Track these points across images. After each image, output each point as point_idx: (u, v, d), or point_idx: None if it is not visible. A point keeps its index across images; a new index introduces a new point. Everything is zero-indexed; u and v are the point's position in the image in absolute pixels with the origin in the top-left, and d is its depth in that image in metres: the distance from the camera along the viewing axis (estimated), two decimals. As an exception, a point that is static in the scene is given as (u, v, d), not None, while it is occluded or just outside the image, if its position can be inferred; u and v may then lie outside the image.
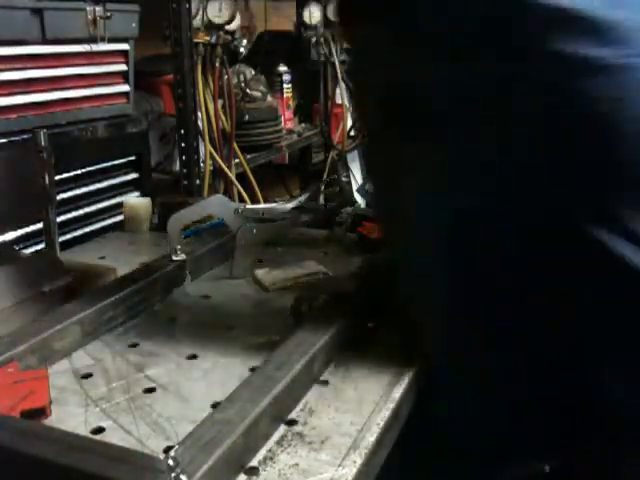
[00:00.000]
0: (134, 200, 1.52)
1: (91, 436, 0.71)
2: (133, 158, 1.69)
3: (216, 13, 1.87)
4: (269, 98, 2.26)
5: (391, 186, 0.81)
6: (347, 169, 2.95)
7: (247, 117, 2.12)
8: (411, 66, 0.72)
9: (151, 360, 0.87)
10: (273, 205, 1.18)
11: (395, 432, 0.78)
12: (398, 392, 0.79)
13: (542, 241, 0.69)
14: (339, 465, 0.66)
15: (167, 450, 0.67)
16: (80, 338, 0.91)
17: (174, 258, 1.11)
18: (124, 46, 1.63)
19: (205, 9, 1.85)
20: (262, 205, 1.18)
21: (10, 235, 1.31)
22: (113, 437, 0.70)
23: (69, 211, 1.50)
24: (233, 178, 2.01)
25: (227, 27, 1.91)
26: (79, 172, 1.53)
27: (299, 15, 2.57)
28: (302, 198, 1.20)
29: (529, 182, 0.68)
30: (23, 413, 0.71)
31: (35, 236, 1.36)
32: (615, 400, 0.70)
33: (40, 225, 1.28)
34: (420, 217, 0.77)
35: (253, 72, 2.30)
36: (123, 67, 1.65)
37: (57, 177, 1.26)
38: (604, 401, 0.70)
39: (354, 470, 0.65)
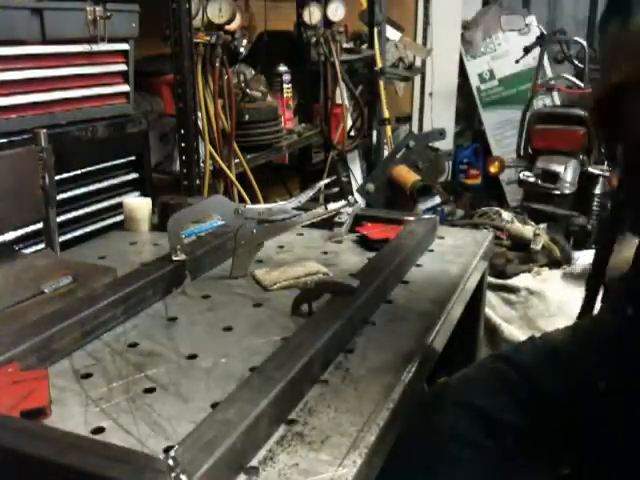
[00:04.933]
0: (134, 200, 1.52)
1: (91, 436, 0.71)
2: (133, 158, 1.69)
3: (216, 13, 1.86)
4: (269, 98, 2.26)
5: None
6: (347, 169, 2.95)
7: (247, 117, 2.12)
8: None
9: (151, 360, 0.87)
10: (273, 205, 1.18)
11: (395, 432, 0.78)
12: (398, 392, 0.79)
13: None
14: (339, 465, 0.66)
15: (167, 450, 0.67)
16: (80, 338, 0.91)
17: (174, 258, 1.11)
18: (124, 46, 1.62)
19: (205, 9, 1.85)
20: (262, 205, 1.18)
21: (10, 235, 1.31)
22: (113, 437, 0.70)
23: (69, 211, 1.50)
24: (233, 178, 2.00)
25: (227, 27, 1.91)
26: (79, 172, 1.52)
27: (299, 15, 2.57)
28: (302, 198, 1.20)
29: None
30: (23, 413, 0.71)
31: (35, 236, 1.36)
32: None
33: (40, 225, 1.28)
34: None
35: (253, 72, 2.30)
36: (123, 67, 1.65)
37: (57, 177, 1.26)
38: None
39: (354, 470, 0.66)
